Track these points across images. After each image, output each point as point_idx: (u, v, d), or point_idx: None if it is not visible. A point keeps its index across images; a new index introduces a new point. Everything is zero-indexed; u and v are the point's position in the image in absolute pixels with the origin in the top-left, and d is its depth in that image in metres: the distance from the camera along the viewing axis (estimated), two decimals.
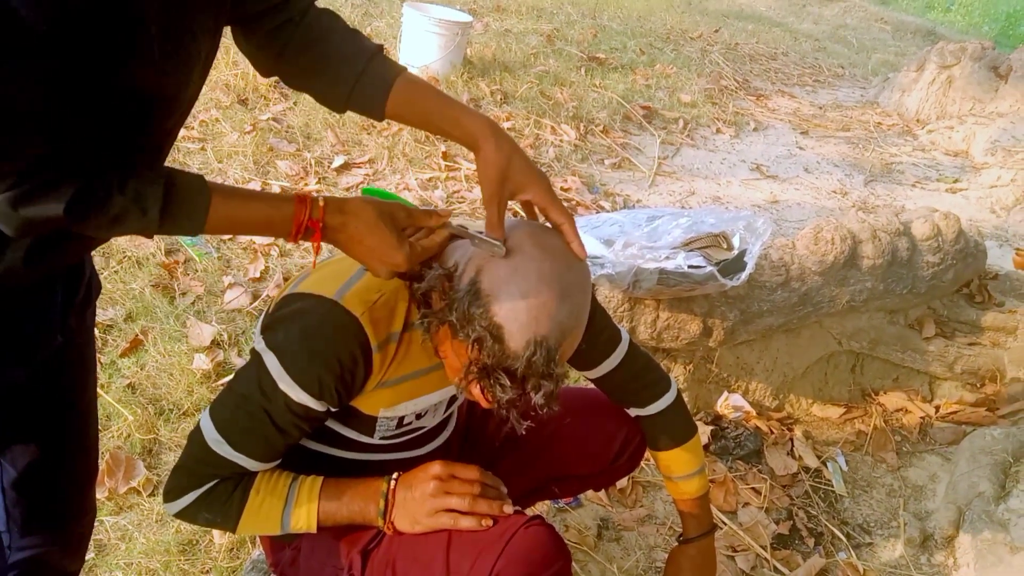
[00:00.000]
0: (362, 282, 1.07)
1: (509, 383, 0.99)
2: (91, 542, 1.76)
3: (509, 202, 1.08)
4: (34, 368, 1.04)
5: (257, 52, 1.11)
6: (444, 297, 1.01)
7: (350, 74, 1.09)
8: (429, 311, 1.03)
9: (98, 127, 0.86)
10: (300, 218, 0.97)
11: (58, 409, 1.14)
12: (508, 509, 1.15)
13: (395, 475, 1.17)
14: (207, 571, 1.74)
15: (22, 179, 0.81)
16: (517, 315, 0.97)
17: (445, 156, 3.65)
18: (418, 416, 1.22)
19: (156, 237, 2.66)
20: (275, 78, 1.17)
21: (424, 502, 1.13)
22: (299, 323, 1.05)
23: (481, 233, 1.02)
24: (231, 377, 1.30)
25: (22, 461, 1.12)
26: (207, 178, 0.95)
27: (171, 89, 0.93)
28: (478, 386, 1.02)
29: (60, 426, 1.15)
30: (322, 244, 1.02)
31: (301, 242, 1.00)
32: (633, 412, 1.46)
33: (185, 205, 0.91)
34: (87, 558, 1.73)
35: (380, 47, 1.12)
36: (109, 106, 0.86)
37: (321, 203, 0.98)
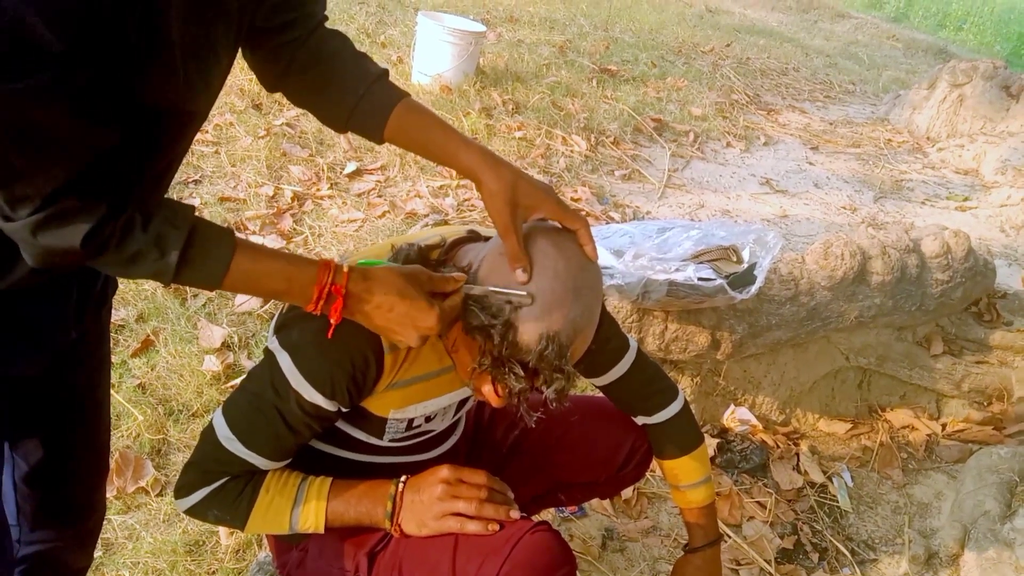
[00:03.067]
0: None
1: (521, 374, 1.00)
2: (99, 540, 1.77)
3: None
4: (47, 363, 1.05)
5: (262, 67, 1.12)
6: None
7: (352, 96, 1.11)
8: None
9: (120, 146, 0.84)
10: (322, 282, 0.95)
11: (70, 406, 1.14)
12: (515, 514, 1.15)
13: (403, 478, 1.18)
14: (213, 572, 1.75)
15: (45, 204, 0.79)
16: (531, 310, 0.98)
17: None
18: (427, 419, 1.23)
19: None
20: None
21: (432, 505, 1.14)
22: (313, 323, 1.06)
23: (503, 289, 1.01)
24: (244, 376, 1.32)
25: (34, 456, 1.12)
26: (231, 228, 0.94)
27: (192, 104, 0.93)
28: (489, 382, 1.03)
29: (71, 423, 1.16)
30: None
31: (322, 315, 0.97)
32: (640, 420, 1.47)
33: (206, 253, 0.90)
34: (94, 556, 1.74)
35: (385, 71, 1.14)
36: (131, 123, 0.84)
37: (345, 269, 0.96)
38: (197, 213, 0.93)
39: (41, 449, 1.13)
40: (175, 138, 0.96)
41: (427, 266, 1.08)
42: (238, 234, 0.94)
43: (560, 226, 1.10)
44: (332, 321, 0.98)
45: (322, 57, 1.11)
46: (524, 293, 1.00)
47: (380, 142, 1.15)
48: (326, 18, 1.14)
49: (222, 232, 0.92)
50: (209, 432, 1.11)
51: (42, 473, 1.14)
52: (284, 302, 1.01)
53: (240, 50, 1.10)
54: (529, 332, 0.98)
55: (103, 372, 1.21)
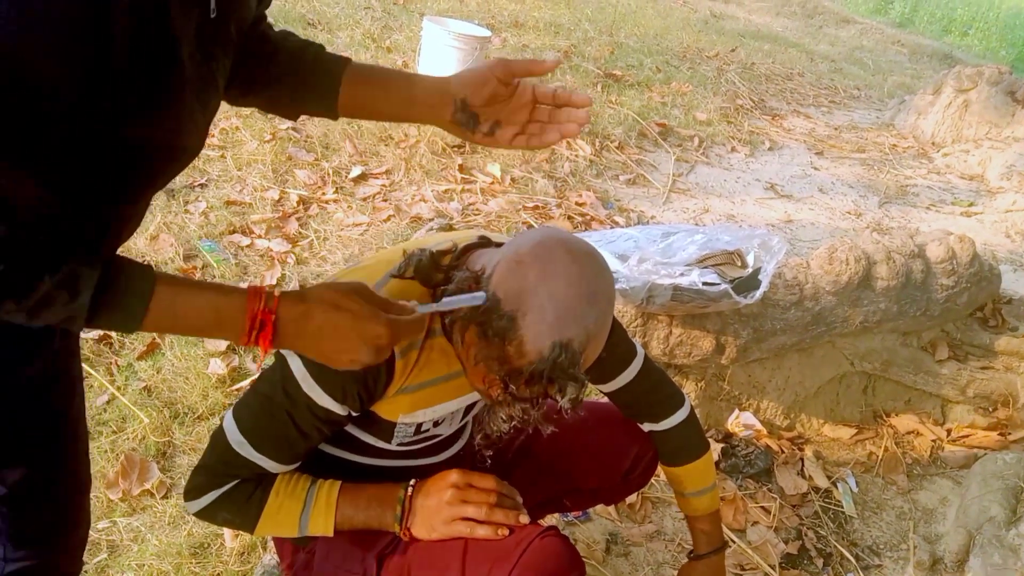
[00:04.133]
0: (387, 289, 1.09)
1: (533, 384, 1.00)
2: (104, 543, 1.78)
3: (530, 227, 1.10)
4: (27, 378, 1.01)
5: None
6: None
7: (292, 78, 1.07)
8: (462, 313, 1.03)
9: (85, 186, 0.78)
10: (253, 310, 0.86)
11: (44, 427, 1.10)
12: (524, 519, 1.16)
13: (412, 482, 1.18)
14: (218, 574, 1.75)
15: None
16: (544, 316, 0.97)
17: (462, 169, 3.68)
18: (435, 423, 1.23)
19: (174, 242, 2.70)
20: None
21: (441, 510, 1.14)
22: None
23: (457, 298, 1.00)
24: (254, 379, 1.32)
25: (12, 476, 1.08)
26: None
27: (192, 139, 0.88)
28: (500, 388, 1.03)
29: (47, 444, 1.11)
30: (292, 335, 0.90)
31: (254, 348, 0.87)
32: (647, 427, 1.47)
33: (125, 291, 0.82)
34: (100, 558, 1.75)
35: (321, 46, 1.10)
36: (102, 164, 0.79)
37: (277, 293, 0.88)
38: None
39: (18, 471, 1.08)
40: (158, 176, 0.90)
41: (439, 271, 1.09)
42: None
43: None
44: (261, 353, 0.89)
45: (262, 48, 1.07)
46: (481, 294, 0.98)
47: (335, 116, 1.11)
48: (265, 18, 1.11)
49: (142, 267, 0.84)
50: (219, 435, 1.12)
51: (22, 493, 1.09)
52: (211, 338, 0.93)
53: None
54: (542, 339, 0.97)
55: (76, 387, 1.16)
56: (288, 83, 1.09)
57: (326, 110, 1.10)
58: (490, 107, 1.05)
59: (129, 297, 0.82)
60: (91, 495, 1.85)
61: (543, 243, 1.02)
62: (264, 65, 1.07)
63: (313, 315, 0.89)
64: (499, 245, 1.18)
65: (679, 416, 1.46)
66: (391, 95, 1.08)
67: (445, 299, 0.99)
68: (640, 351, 1.42)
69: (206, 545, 1.81)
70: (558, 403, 1.02)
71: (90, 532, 1.77)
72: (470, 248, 1.15)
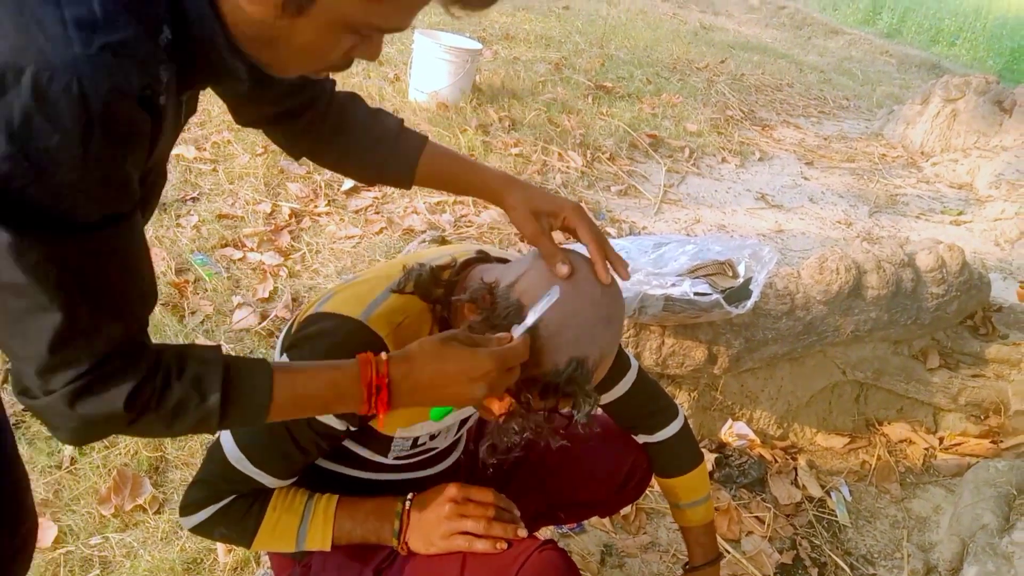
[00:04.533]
0: (387, 303, 1.09)
1: (546, 396, 1.00)
2: (96, 559, 1.77)
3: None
4: None
5: (289, 143, 1.18)
6: (482, 310, 1.03)
7: (380, 156, 1.17)
8: (475, 322, 1.03)
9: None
10: (367, 377, 0.91)
11: None
12: (522, 532, 1.16)
13: (410, 496, 1.18)
14: None
15: (93, 368, 0.75)
16: (564, 331, 0.99)
17: None
18: (432, 437, 1.24)
19: (166, 255, 2.70)
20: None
21: (439, 524, 1.14)
22: (325, 342, 1.06)
23: (543, 304, 1.00)
24: None
25: None
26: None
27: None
28: (497, 399, 1.04)
29: None
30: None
31: (373, 412, 0.92)
32: (641, 439, 1.48)
33: (247, 385, 0.86)
34: (92, 574, 1.74)
35: (401, 122, 1.20)
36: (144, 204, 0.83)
37: (384, 357, 0.94)
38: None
39: None
40: (157, 202, 0.95)
41: (439, 286, 1.10)
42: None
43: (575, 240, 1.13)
44: (381, 415, 0.93)
45: (344, 126, 1.16)
46: (555, 289, 1.00)
47: (409, 187, 1.21)
48: (334, 84, 1.18)
49: (255, 360, 0.89)
50: (216, 450, 1.11)
51: None
52: (333, 413, 0.99)
53: (266, 134, 1.18)
54: (560, 353, 0.99)
55: None
56: (368, 166, 1.20)
57: (401, 187, 1.22)
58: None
59: (253, 394, 0.87)
60: (82, 510, 1.85)
61: (570, 262, 1.05)
62: (346, 149, 1.18)
63: (422, 370, 0.94)
64: (499, 260, 1.19)
65: (673, 428, 1.47)
66: (459, 187, 1.21)
67: (530, 312, 1.00)
68: (634, 363, 1.42)
69: (199, 560, 1.80)
70: (564, 419, 1.04)
71: (82, 548, 1.77)
72: (469, 263, 1.16)
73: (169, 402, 0.81)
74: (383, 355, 0.93)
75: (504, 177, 1.16)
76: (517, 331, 0.99)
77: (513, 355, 0.96)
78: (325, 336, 1.07)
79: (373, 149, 1.17)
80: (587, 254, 1.08)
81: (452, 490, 1.17)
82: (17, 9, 0.64)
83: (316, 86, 1.13)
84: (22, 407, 2.05)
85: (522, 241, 3.12)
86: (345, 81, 4.51)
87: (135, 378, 0.78)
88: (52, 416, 0.77)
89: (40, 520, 1.81)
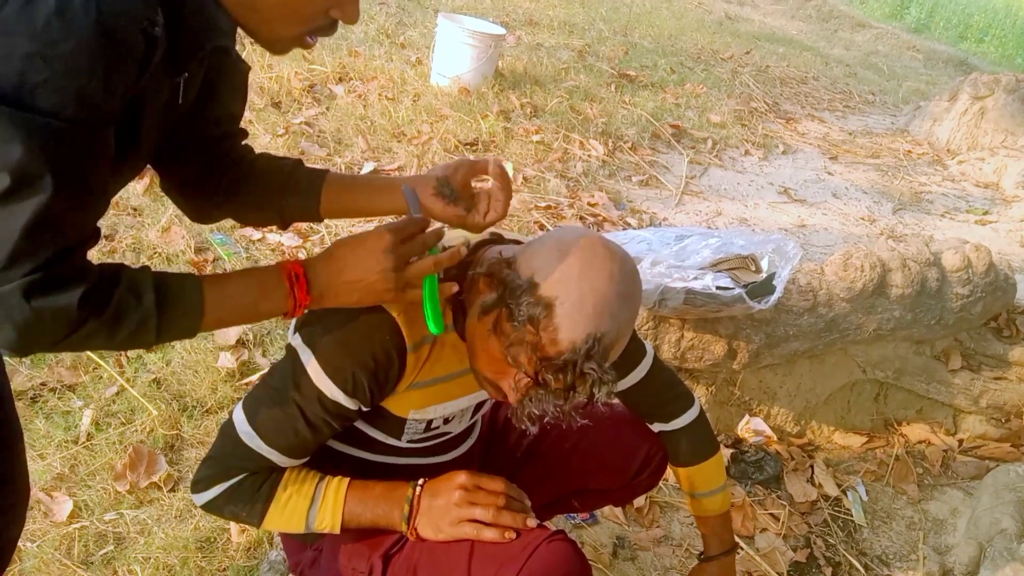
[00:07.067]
0: None
1: (564, 374, 0.99)
2: (111, 535, 1.78)
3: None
4: None
5: (196, 196, 1.17)
6: (497, 285, 1.01)
7: (280, 196, 1.17)
8: (489, 298, 1.02)
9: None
10: (287, 268, 0.97)
11: None
12: (531, 522, 1.15)
13: (421, 481, 1.17)
14: (224, 569, 1.75)
15: (54, 261, 0.79)
16: (584, 307, 0.97)
17: None
18: (445, 421, 1.23)
19: (185, 234, 2.70)
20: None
21: (449, 511, 1.13)
22: (337, 320, 1.06)
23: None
24: (264, 372, 1.31)
25: None
26: None
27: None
28: (510, 376, 1.02)
29: None
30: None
31: (297, 304, 0.98)
32: (657, 427, 1.46)
33: (176, 287, 0.90)
34: (106, 550, 1.75)
35: (299, 160, 1.21)
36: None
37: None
38: None
39: None
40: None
41: (451, 266, 1.09)
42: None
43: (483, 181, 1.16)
44: (302, 304, 0.98)
45: (243, 177, 1.17)
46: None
47: (319, 219, 1.21)
48: (247, 136, 1.21)
49: (184, 273, 0.93)
50: (228, 427, 1.11)
51: None
52: (262, 317, 1.00)
53: (165, 191, 1.18)
54: (578, 329, 0.97)
55: None
56: (268, 209, 1.20)
57: (310, 220, 1.23)
58: (466, 190, 1.17)
59: (184, 294, 0.90)
60: (97, 486, 1.86)
61: (587, 237, 1.02)
62: (242, 182, 1.17)
63: (333, 254, 1.00)
64: (510, 241, 1.17)
65: (689, 416, 1.45)
66: (373, 193, 1.20)
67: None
68: (650, 350, 1.41)
69: (212, 539, 1.81)
70: (594, 396, 1.02)
71: (97, 523, 1.78)
72: (483, 243, 1.15)
73: (110, 308, 0.84)
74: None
75: (414, 178, 1.17)
76: (405, 189, 1.10)
77: (408, 224, 1.02)
78: (338, 314, 1.07)
79: (271, 184, 1.17)
80: (592, 242, 1.04)
81: (463, 477, 1.16)
82: None
83: (225, 140, 1.15)
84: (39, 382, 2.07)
85: (541, 229, 3.10)
86: (368, 64, 4.49)
87: (88, 282, 0.82)
88: (3, 306, 0.79)
89: (55, 495, 1.83)
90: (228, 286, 0.95)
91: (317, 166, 1.22)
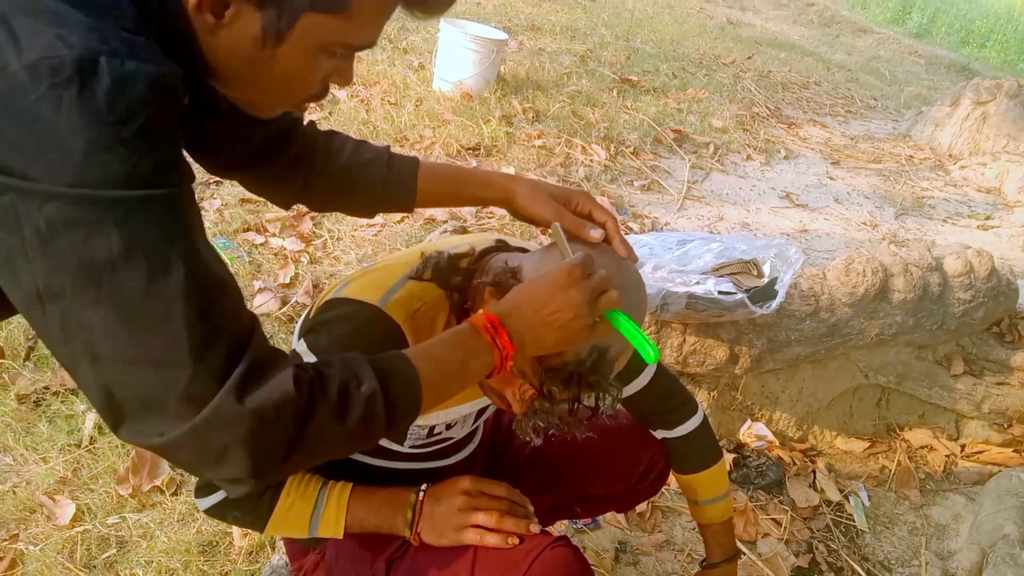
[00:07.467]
0: (404, 290, 1.09)
1: (568, 385, 0.99)
2: (113, 538, 1.78)
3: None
4: None
5: (279, 188, 1.17)
6: (502, 295, 1.01)
7: (376, 185, 1.16)
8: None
9: None
10: (479, 321, 0.92)
11: None
12: (535, 528, 1.15)
13: (424, 486, 1.17)
14: (226, 573, 1.75)
15: (240, 356, 0.72)
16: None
17: None
18: (448, 426, 1.23)
19: None
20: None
21: (451, 516, 1.13)
22: (341, 327, 1.06)
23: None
24: None
25: None
26: None
27: None
28: (514, 386, 1.02)
29: None
30: None
31: (503, 353, 0.92)
32: (660, 434, 1.46)
33: (386, 362, 0.84)
34: (109, 553, 1.75)
35: (388, 147, 1.19)
36: None
37: (489, 311, 0.95)
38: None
39: None
40: None
41: (457, 274, 1.09)
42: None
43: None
44: (508, 354, 0.92)
45: (332, 162, 1.15)
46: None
47: (411, 211, 1.21)
48: (302, 119, 1.18)
49: (397, 356, 0.88)
50: None
51: None
52: (472, 378, 0.94)
53: (247, 187, 1.17)
54: (583, 341, 0.97)
55: None
56: (366, 199, 1.19)
57: (404, 211, 1.22)
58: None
59: (396, 367, 0.85)
60: (100, 489, 1.86)
61: (597, 250, 1.04)
62: (343, 185, 1.17)
63: (520, 296, 0.95)
64: (516, 249, 1.18)
65: (693, 423, 1.45)
66: (463, 185, 1.18)
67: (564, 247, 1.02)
68: None
69: (215, 543, 1.81)
70: (588, 410, 1.02)
71: (99, 527, 1.78)
72: (488, 251, 1.15)
73: (332, 385, 0.77)
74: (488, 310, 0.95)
75: (508, 175, 1.16)
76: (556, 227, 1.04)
77: (588, 260, 0.96)
78: (343, 321, 1.07)
79: (368, 181, 1.16)
80: (597, 252, 1.05)
81: (466, 482, 1.16)
82: (85, 12, 0.67)
83: (284, 118, 1.12)
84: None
85: (543, 234, 3.11)
86: (370, 69, 4.50)
87: (287, 361, 0.75)
88: (221, 426, 0.70)
89: (58, 498, 1.84)
90: (430, 352, 0.89)
91: (406, 153, 1.21)
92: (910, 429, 2.75)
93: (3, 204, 0.63)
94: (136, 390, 0.69)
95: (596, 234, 1.06)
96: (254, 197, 3.09)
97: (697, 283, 2.09)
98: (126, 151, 0.65)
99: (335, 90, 4.14)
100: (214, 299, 0.71)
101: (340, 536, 1.14)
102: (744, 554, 2.10)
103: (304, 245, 2.91)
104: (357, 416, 0.78)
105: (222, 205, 3.02)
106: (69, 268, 0.65)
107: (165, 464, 1.96)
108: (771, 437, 2.49)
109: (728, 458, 2.36)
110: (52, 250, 0.64)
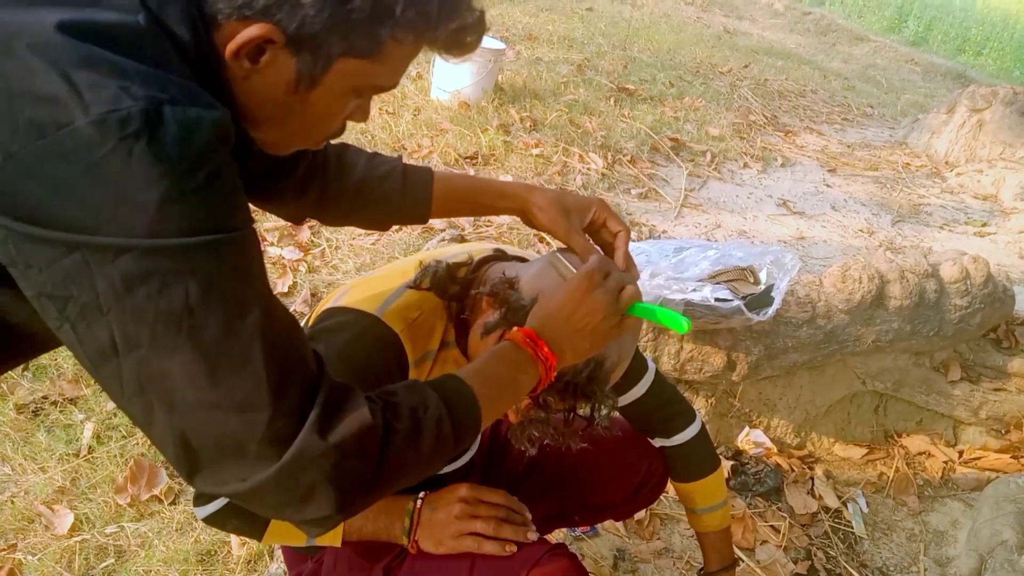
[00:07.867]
0: (403, 299, 1.09)
1: (564, 396, 1.00)
2: (111, 547, 1.78)
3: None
4: None
5: (293, 206, 1.16)
6: (500, 306, 1.02)
7: (392, 199, 1.16)
8: (492, 318, 1.03)
9: None
10: (517, 336, 0.94)
11: None
12: (532, 536, 1.15)
13: (421, 494, 1.18)
14: None
15: (314, 393, 0.72)
16: None
17: None
18: None
19: None
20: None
21: (449, 524, 1.14)
22: (340, 336, 1.06)
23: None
24: None
25: None
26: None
27: None
28: (525, 401, 1.03)
29: None
30: None
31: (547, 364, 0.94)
32: (658, 442, 1.47)
33: (440, 384, 0.85)
34: (107, 563, 1.75)
35: (401, 158, 1.19)
36: None
37: (528, 328, 0.96)
38: None
39: None
40: None
41: (455, 283, 1.10)
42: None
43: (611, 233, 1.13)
44: (551, 364, 0.94)
45: (346, 176, 1.15)
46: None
47: (426, 222, 1.20)
48: None
49: (452, 379, 0.89)
50: None
51: None
52: (521, 393, 0.95)
53: (262, 207, 1.15)
54: None
55: None
56: (382, 212, 1.19)
57: (418, 223, 1.22)
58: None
59: (451, 385, 0.86)
60: (98, 499, 1.86)
61: (591, 258, 1.05)
62: (357, 199, 1.16)
63: (547, 308, 0.97)
64: (514, 258, 1.18)
65: (691, 432, 1.46)
66: (478, 194, 1.19)
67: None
68: (651, 365, 1.42)
69: (213, 552, 1.81)
70: (583, 421, 1.03)
71: (98, 536, 1.78)
72: (485, 261, 1.16)
73: (403, 412, 0.78)
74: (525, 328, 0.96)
75: (523, 184, 1.16)
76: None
77: (603, 262, 0.99)
78: (341, 330, 1.07)
79: (384, 195, 1.16)
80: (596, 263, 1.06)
81: (463, 490, 1.17)
82: (138, 60, 0.66)
83: None
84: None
85: (542, 242, 3.12)
86: None
87: (357, 391, 0.76)
88: (308, 465, 0.70)
89: (56, 508, 1.84)
90: (480, 371, 0.90)
91: (418, 164, 1.20)
92: (908, 435, 2.75)
93: (74, 261, 0.63)
94: (215, 436, 0.68)
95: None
96: (252, 207, 3.11)
97: (694, 290, 2.10)
98: (199, 199, 0.65)
99: None
100: (286, 337, 0.72)
101: (338, 544, 1.14)
102: (743, 561, 2.10)
103: (302, 254, 2.92)
104: (430, 440, 0.79)
105: None
106: (146, 319, 0.64)
107: (163, 473, 1.96)
108: (769, 444, 2.49)
109: (726, 465, 2.36)
110: (128, 303, 0.64)
